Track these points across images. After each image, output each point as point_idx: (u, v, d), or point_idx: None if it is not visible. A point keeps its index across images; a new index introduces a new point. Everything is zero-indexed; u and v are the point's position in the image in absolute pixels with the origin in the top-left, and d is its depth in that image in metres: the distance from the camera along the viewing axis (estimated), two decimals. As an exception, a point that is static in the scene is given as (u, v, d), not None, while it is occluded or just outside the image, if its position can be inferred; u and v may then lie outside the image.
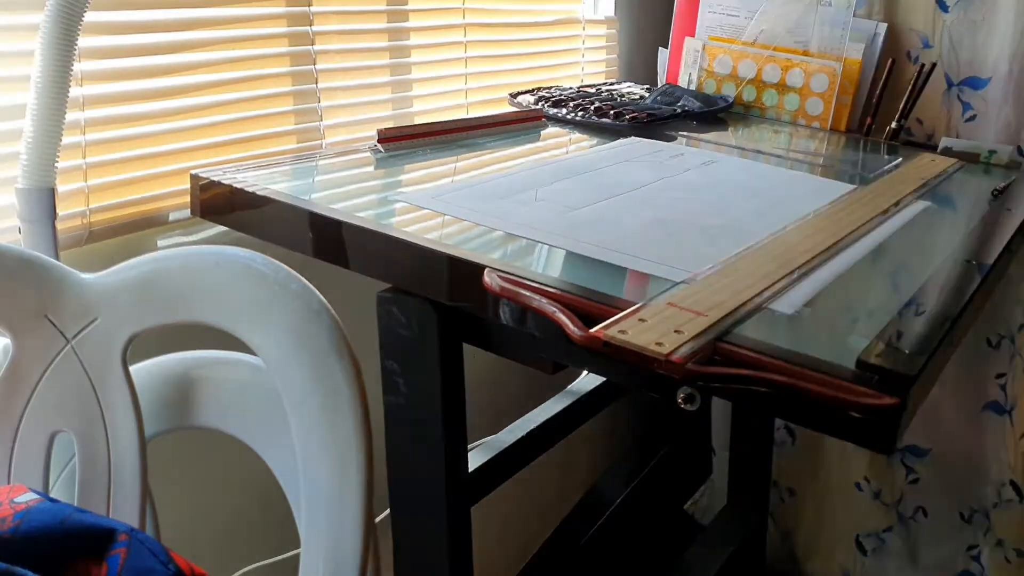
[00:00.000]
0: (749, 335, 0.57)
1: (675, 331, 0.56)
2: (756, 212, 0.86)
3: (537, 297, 0.63)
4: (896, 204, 0.91)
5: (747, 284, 0.64)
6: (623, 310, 0.59)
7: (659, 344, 0.55)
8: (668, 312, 0.59)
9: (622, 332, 0.56)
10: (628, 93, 1.45)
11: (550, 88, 1.39)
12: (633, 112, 1.25)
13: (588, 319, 0.59)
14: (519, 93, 1.35)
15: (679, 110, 1.33)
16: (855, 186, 0.98)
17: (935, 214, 0.94)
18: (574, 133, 1.24)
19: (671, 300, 0.61)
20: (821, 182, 1.04)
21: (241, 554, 1.06)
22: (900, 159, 1.19)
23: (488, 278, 0.66)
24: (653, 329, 0.57)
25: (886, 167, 1.12)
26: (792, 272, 0.68)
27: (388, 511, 0.86)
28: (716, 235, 0.77)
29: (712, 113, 1.38)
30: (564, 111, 1.26)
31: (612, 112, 1.25)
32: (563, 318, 0.60)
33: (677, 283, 0.65)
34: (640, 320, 0.58)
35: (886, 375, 0.52)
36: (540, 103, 1.29)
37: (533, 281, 0.65)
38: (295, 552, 0.63)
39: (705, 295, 0.62)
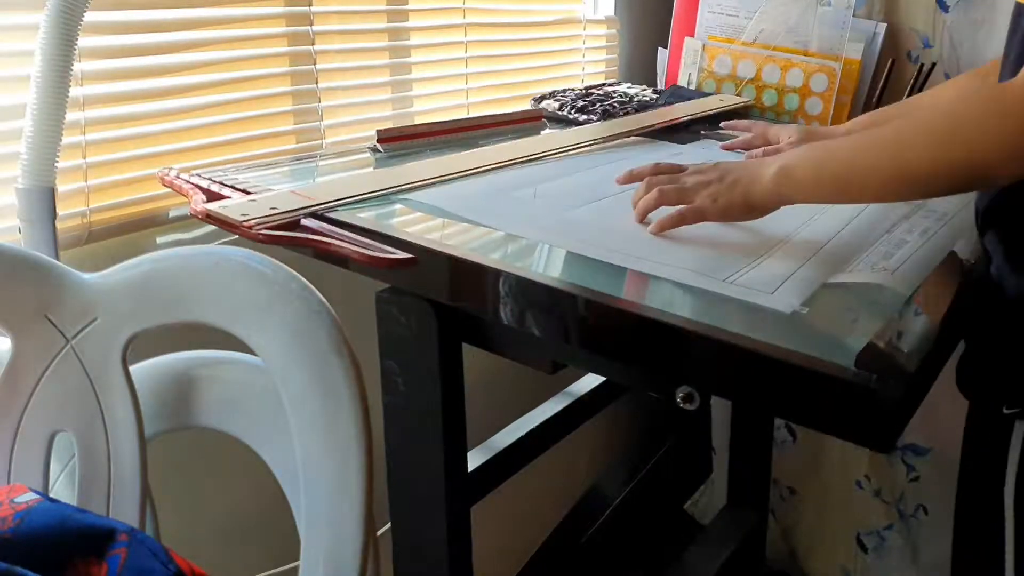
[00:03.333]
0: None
1: (271, 208, 0.71)
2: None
3: (183, 183, 0.81)
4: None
5: (376, 180, 0.82)
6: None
7: (244, 215, 0.69)
8: (285, 197, 0.74)
9: (225, 208, 0.70)
10: (637, 95, 1.45)
11: (564, 91, 1.39)
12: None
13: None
14: (543, 97, 1.35)
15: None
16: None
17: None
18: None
19: (296, 190, 0.76)
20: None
21: (241, 553, 1.06)
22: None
23: (166, 175, 0.86)
24: (254, 207, 0.71)
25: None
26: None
27: (388, 525, 0.86)
28: (715, 234, 0.77)
29: (721, 114, 1.38)
30: (594, 117, 1.26)
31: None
32: (191, 194, 0.76)
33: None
34: (251, 200, 0.73)
35: (887, 374, 0.52)
36: (564, 109, 1.29)
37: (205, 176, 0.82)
38: (294, 564, 0.63)
39: (331, 189, 0.78)
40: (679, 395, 0.59)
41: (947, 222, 0.83)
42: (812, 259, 0.71)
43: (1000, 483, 0.73)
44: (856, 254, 0.73)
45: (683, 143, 1.18)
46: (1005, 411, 0.73)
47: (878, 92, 1.34)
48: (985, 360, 0.76)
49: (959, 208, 0.87)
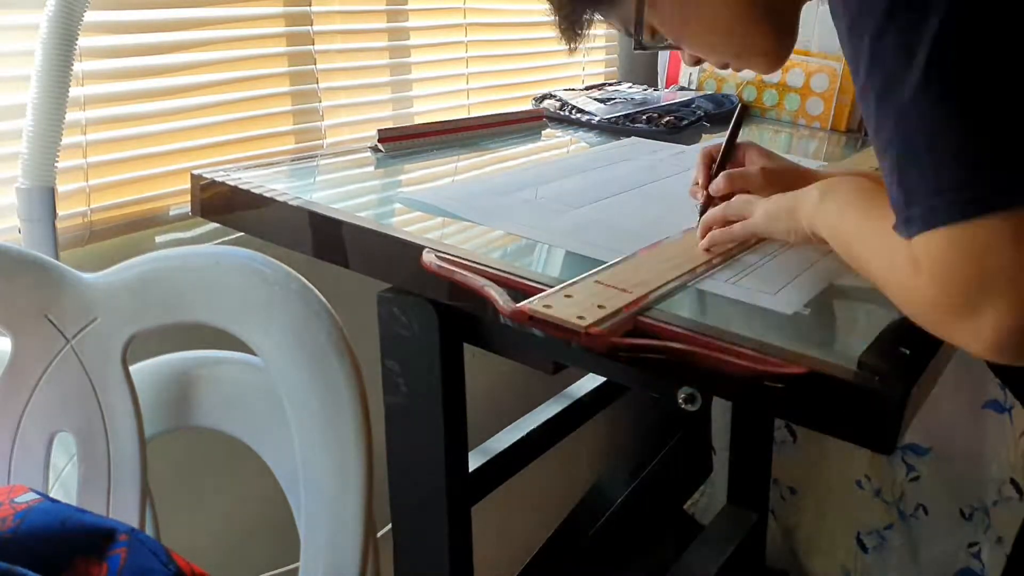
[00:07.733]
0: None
1: (598, 306, 0.59)
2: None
3: (469, 274, 0.65)
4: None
5: (673, 264, 0.67)
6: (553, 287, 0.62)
7: (580, 318, 0.57)
8: (594, 289, 0.63)
9: (547, 306, 0.59)
10: (639, 95, 1.45)
11: (565, 91, 1.39)
12: (668, 117, 1.26)
13: (523, 297, 0.61)
14: (543, 97, 1.35)
15: (701, 112, 1.33)
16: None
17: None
18: (576, 132, 1.24)
19: (599, 278, 0.64)
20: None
21: (241, 553, 1.06)
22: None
23: (426, 258, 0.69)
24: (578, 304, 0.60)
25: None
26: (722, 254, 0.71)
27: (389, 526, 0.86)
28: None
29: (724, 114, 1.38)
30: (597, 118, 1.25)
31: (644, 117, 1.25)
32: (492, 293, 0.62)
33: (607, 263, 0.67)
34: (566, 296, 0.61)
35: (887, 375, 0.52)
36: (565, 109, 1.29)
37: (470, 260, 0.67)
38: (295, 565, 0.63)
39: (631, 274, 0.65)
40: (680, 396, 0.59)
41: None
42: (816, 264, 0.71)
43: None
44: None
45: (684, 143, 1.18)
46: None
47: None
48: None
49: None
